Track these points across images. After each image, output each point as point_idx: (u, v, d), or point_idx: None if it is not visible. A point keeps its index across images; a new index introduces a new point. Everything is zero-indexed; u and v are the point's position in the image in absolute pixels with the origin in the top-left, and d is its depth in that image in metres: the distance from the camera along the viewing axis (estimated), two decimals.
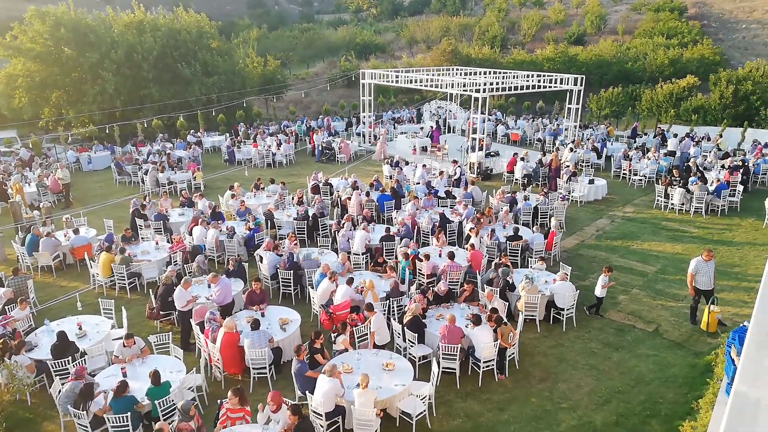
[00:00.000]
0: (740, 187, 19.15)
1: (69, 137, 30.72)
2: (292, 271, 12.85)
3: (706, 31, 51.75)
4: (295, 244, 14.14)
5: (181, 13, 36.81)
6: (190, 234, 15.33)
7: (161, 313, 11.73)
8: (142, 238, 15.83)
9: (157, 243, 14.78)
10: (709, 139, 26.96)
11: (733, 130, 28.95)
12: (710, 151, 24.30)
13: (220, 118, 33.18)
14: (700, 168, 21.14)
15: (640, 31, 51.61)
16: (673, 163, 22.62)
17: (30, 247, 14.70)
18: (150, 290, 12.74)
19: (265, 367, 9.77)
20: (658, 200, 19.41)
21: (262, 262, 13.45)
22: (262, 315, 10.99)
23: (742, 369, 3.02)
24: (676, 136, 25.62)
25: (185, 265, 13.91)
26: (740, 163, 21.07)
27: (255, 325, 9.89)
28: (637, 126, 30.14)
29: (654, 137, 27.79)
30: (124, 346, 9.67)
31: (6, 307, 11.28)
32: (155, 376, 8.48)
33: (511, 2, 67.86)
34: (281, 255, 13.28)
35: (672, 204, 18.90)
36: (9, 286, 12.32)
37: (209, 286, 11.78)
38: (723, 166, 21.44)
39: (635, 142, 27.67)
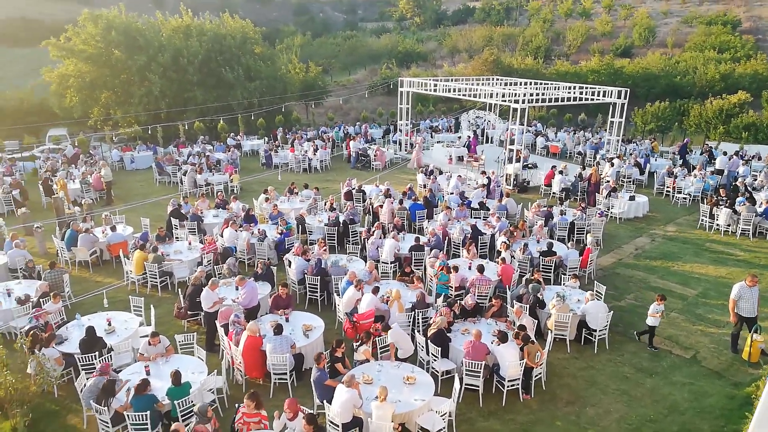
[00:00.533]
0: None
1: (115, 137, 31.72)
2: (319, 277, 12.82)
3: (761, 45, 49.78)
4: (324, 250, 14.12)
5: (227, 18, 37.63)
6: (222, 236, 15.50)
7: (189, 313, 11.86)
8: (176, 238, 16.10)
9: (190, 243, 15.01)
10: (760, 159, 25.79)
11: None
12: (760, 171, 23.23)
13: (259, 122, 33.71)
14: (749, 188, 20.19)
15: (691, 45, 50.07)
16: (720, 182, 21.69)
17: (69, 242, 15.14)
18: (179, 289, 12.91)
19: (285, 373, 9.73)
20: (702, 220, 18.62)
21: (290, 266, 13.47)
22: (287, 320, 10.97)
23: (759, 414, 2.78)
24: (725, 153, 24.56)
25: (215, 267, 14.04)
26: None
27: (278, 330, 9.87)
28: (688, 142, 28.57)
29: (701, 154, 26.75)
30: (150, 344, 9.78)
31: (41, 300, 11.58)
32: (176, 376, 8.54)
33: (557, 13, 66.90)
34: (309, 260, 13.27)
35: (717, 225, 18.10)
36: (45, 280, 12.68)
37: (237, 289, 11.85)
38: None
39: (683, 160, 26.29)
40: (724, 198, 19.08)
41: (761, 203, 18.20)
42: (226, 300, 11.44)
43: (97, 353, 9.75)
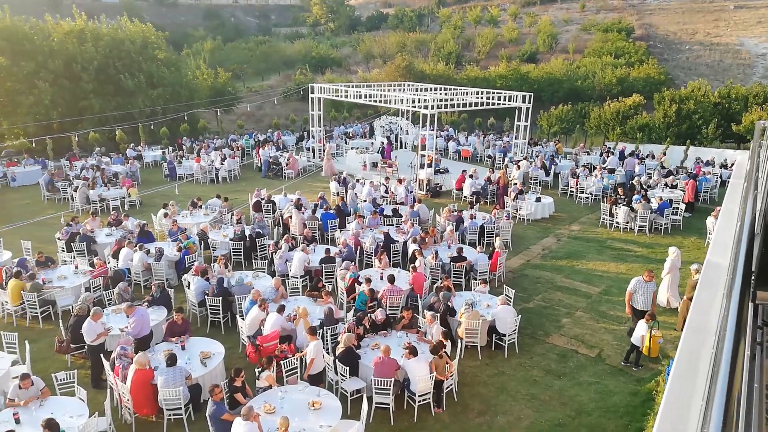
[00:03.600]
0: (682, 206, 19.34)
1: (2, 151, 28.96)
2: (221, 298, 12.02)
3: (652, 51, 53.48)
4: (227, 268, 13.31)
5: (125, 22, 35.51)
6: (115, 257, 14.26)
7: (72, 346, 10.70)
8: (63, 262, 14.68)
9: (76, 267, 13.67)
10: (653, 157, 27.43)
11: (676, 148, 29.65)
12: (654, 170, 24.68)
13: (163, 132, 31.94)
14: (644, 186, 21.32)
15: (590, 51, 52.92)
16: (617, 181, 22.79)
17: None
18: (62, 320, 11.67)
19: (180, 408, 8.92)
20: (603, 218, 19.43)
21: (189, 287, 12.56)
22: (183, 348, 10.12)
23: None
24: (612, 153, 26.08)
25: (106, 292, 12.86)
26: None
27: (171, 360, 9.04)
28: (625, 148, 28.76)
29: (600, 155, 28.09)
30: (20, 387, 8.65)
31: None
32: (48, 424, 7.54)
33: (466, 20, 68.72)
34: (208, 279, 12.43)
35: (617, 222, 18.93)
36: None
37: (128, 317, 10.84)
38: (666, 184, 21.73)
39: (624, 164, 25.69)
40: (622, 196, 20.00)
41: (655, 200, 19.22)
42: (112, 330, 10.41)
43: None
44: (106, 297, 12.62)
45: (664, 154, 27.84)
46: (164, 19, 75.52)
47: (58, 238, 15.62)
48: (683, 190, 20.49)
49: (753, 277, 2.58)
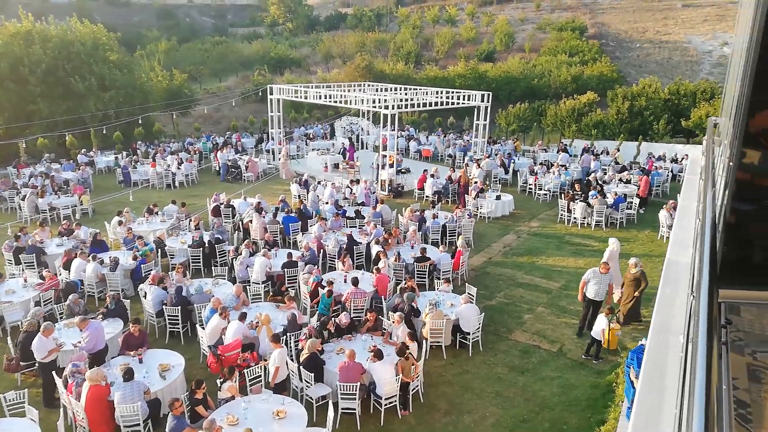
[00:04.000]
0: (636, 200, 19.90)
1: None
2: (180, 307, 11.70)
3: (605, 49, 54.88)
4: (185, 276, 12.98)
5: (75, 23, 34.27)
6: (66, 268, 13.72)
7: (22, 364, 10.23)
8: (11, 275, 14.05)
9: (25, 280, 13.08)
10: (607, 153, 28.14)
11: (629, 143, 30.49)
12: (609, 165, 25.32)
13: (116, 136, 30.96)
14: (600, 182, 21.84)
15: (545, 49, 53.92)
16: (574, 178, 23.29)
17: None
18: (11, 337, 11.16)
19: (138, 424, 8.63)
20: (561, 215, 19.81)
21: (146, 297, 12.19)
22: (140, 361, 9.80)
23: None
24: (566, 151, 26.79)
25: (57, 306, 12.35)
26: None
27: (128, 375, 8.73)
28: (587, 146, 29.28)
29: (557, 152, 28.66)
30: None
31: None
32: None
33: (425, 19, 69.13)
34: (166, 288, 12.09)
35: (574, 218, 19.33)
36: None
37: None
38: (620, 180, 22.32)
39: (580, 161, 26.34)
40: (579, 192, 20.44)
41: (610, 195, 19.71)
42: (65, 346, 10.01)
43: None
44: (58, 311, 12.10)
45: (618, 149, 28.59)
46: (116, 20, 73.29)
47: (3, 251, 14.93)
48: (637, 185, 21.08)
49: (717, 276, 2.62)
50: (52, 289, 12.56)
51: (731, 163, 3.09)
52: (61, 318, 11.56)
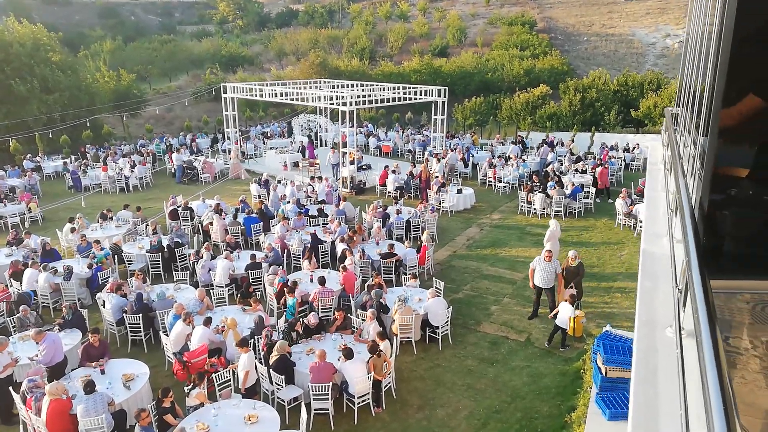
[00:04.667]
0: (593, 190, 20.42)
1: None
2: (141, 315, 11.32)
3: (554, 43, 56.19)
4: (145, 282, 12.56)
5: (13, 23, 32.68)
6: (16, 279, 13.06)
7: None
8: None
9: None
10: (562, 145, 28.81)
11: (583, 135, 31.30)
12: (565, 156, 25.91)
13: (63, 140, 29.73)
14: (557, 173, 22.33)
15: (497, 44, 54.79)
16: (532, 169, 23.73)
17: None
18: None
19: None
20: (521, 206, 20.16)
21: (105, 306, 11.74)
22: (102, 372, 9.42)
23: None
24: (523, 143, 27.55)
25: (10, 319, 11.74)
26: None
27: (89, 387, 8.38)
28: (554, 139, 29.75)
29: (514, 144, 29.15)
30: None
31: None
32: None
33: (377, 15, 69.11)
34: (125, 296, 11.67)
35: (534, 209, 19.70)
36: None
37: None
38: (576, 170, 22.87)
39: (539, 152, 26.79)
40: (538, 184, 20.84)
41: (568, 186, 20.18)
42: (21, 360, 9.53)
43: None
44: (11, 324, 11.52)
45: (573, 141, 29.30)
46: (56, 19, 70.40)
47: None
48: (594, 176, 21.44)
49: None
50: (3, 302, 11.94)
51: (702, 154, 3.15)
52: (15, 331, 11.00)
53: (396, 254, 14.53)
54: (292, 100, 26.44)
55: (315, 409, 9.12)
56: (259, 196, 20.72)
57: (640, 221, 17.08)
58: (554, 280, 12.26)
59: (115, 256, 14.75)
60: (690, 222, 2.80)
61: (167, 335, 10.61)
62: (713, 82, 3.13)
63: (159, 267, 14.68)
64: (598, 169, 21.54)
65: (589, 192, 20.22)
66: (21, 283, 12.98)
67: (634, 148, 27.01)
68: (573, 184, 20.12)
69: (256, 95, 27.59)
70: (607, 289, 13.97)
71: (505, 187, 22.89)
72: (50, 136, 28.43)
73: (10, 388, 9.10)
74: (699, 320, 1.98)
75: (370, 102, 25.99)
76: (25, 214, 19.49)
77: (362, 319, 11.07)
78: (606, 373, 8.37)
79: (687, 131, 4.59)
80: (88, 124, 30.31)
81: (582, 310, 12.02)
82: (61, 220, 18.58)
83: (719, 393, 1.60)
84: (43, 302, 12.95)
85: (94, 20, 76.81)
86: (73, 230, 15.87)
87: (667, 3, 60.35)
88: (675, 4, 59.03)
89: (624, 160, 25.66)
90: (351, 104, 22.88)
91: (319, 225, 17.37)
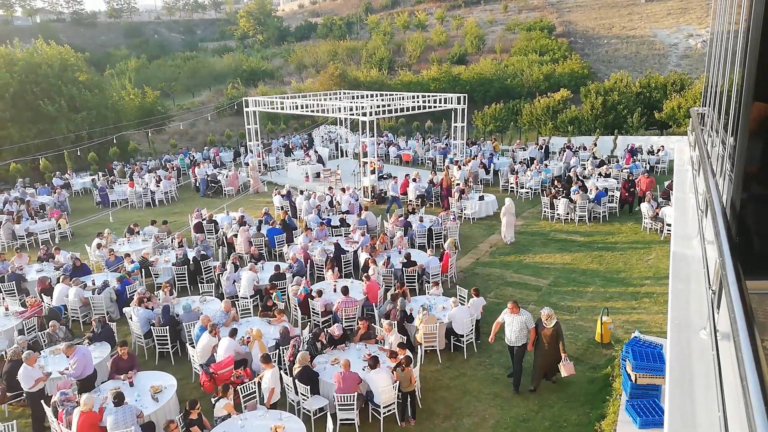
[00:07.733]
0: (617, 193, 20.11)
1: None
2: (168, 327, 11.47)
3: (574, 47, 55.72)
4: (172, 295, 12.74)
5: (41, 45, 33.67)
6: (47, 295, 13.37)
7: (8, 395, 9.92)
8: None
9: (6, 309, 12.71)
10: (585, 149, 28.48)
11: (605, 138, 30.92)
12: (587, 160, 25.61)
13: (91, 157, 30.44)
14: (580, 177, 22.07)
15: (516, 50, 54.55)
16: (555, 174, 23.49)
17: None
18: None
19: None
20: (544, 212, 19.95)
21: (132, 319, 11.92)
22: (131, 384, 9.56)
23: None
24: (542, 149, 27.20)
25: (41, 333, 12.01)
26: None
27: (118, 399, 8.50)
28: (569, 142, 29.28)
29: (537, 149, 28.91)
30: None
31: None
32: None
33: (395, 26, 69.47)
34: (152, 309, 11.84)
35: (558, 214, 19.48)
36: None
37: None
38: (600, 174, 22.57)
39: (562, 158, 26.48)
40: (561, 189, 20.62)
41: (592, 190, 19.92)
42: (52, 374, 9.72)
43: None
44: (42, 338, 11.78)
45: (595, 144, 28.94)
46: (83, 40, 72.44)
47: None
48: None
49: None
50: (35, 317, 12.22)
51: (732, 153, 3.08)
52: (46, 345, 11.24)
53: (415, 262, 14.48)
54: (313, 111, 26.67)
55: (340, 420, 9.11)
56: (282, 208, 20.90)
57: (668, 224, 16.75)
58: (526, 336, 10.18)
59: (143, 270, 15.00)
60: (722, 221, 2.74)
61: (194, 347, 10.72)
62: (741, 80, 3.07)
63: (185, 280, 14.88)
64: (644, 178, 20.13)
65: (614, 196, 19.91)
66: (51, 298, 13.29)
67: (658, 150, 26.55)
68: (597, 189, 19.85)
69: (277, 108, 27.91)
70: (635, 294, 13.71)
71: (527, 192, 22.69)
72: (78, 153, 29.13)
73: (42, 401, 9.28)
74: (736, 321, 1.93)
75: (390, 111, 26.08)
76: (55, 230, 19.97)
77: (384, 330, 11.03)
78: (636, 380, 8.18)
79: (715, 131, 4.49)
80: (114, 141, 30.98)
81: (610, 316, 11.84)
82: (89, 235, 18.98)
83: (761, 396, 1.55)
84: (72, 316, 13.22)
85: (120, 40, 78.80)
86: (100, 246, 16.19)
87: (688, 3, 59.44)
88: (697, 4, 58.11)
89: (648, 163, 25.24)
90: (371, 114, 22.98)
91: (341, 235, 17.44)
